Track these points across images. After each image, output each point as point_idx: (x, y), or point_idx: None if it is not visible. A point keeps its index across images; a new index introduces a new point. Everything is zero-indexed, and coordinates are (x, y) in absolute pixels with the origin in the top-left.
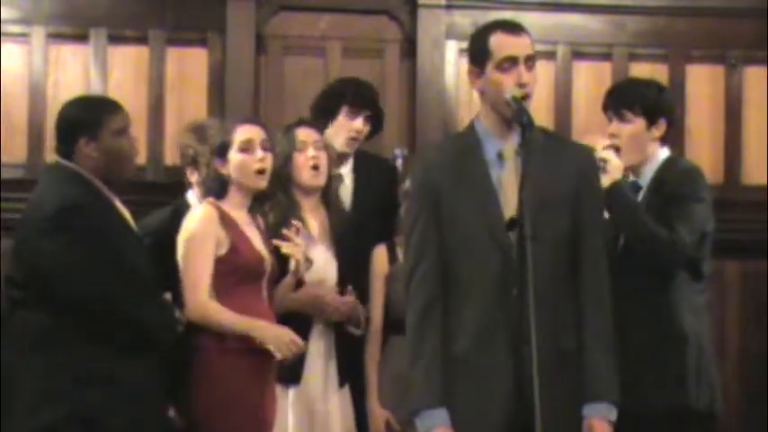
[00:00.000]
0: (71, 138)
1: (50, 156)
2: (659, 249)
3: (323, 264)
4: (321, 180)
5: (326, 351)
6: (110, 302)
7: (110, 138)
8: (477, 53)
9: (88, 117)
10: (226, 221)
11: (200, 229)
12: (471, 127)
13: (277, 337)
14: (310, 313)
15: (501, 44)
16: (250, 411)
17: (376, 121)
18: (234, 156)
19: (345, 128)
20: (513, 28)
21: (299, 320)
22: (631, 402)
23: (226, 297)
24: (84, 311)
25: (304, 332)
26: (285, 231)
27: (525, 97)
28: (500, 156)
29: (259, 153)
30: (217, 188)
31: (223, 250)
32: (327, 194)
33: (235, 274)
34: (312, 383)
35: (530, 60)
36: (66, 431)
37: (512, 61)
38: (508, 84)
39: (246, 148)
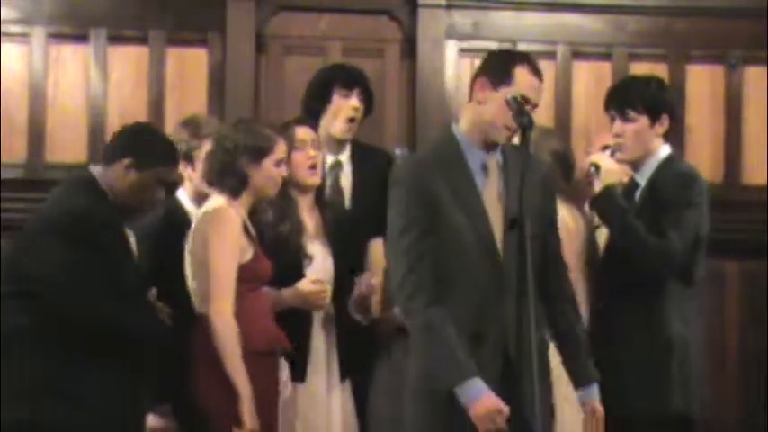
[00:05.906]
0: (122, 153)
1: (50, 156)
2: (649, 256)
3: (320, 261)
4: (318, 179)
5: (328, 346)
6: (100, 314)
7: (148, 181)
8: (499, 73)
9: (148, 148)
10: (246, 228)
11: (230, 235)
12: (451, 136)
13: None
14: (302, 308)
15: (526, 82)
16: (259, 405)
17: (368, 99)
18: (267, 165)
19: (342, 109)
20: (539, 72)
21: (298, 317)
22: (615, 406)
23: (240, 300)
24: (71, 321)
25: (305, 328)
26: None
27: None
28: (484, 167)
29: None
30: (234, 186)
31: (247, 257)
32: (321, 193)
33: (254, 280)
34: (314, 379)
35: (536, 106)
36: None
37: (525, 102)
38: (507, 118)
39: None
